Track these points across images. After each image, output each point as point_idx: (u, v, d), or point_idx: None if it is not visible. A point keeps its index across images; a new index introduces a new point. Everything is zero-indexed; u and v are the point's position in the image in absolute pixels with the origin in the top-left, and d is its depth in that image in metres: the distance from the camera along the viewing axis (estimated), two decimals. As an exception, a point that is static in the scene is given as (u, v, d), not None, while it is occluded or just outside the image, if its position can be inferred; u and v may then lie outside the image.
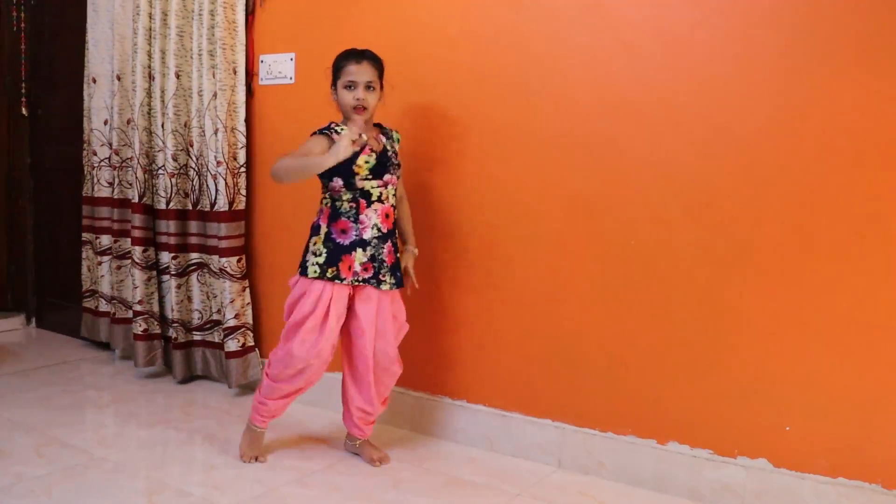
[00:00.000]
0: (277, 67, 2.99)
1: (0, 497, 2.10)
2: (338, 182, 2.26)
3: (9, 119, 4.13)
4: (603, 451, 2.36)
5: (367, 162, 2.25)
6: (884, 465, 1.97)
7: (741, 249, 2.12)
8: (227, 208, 2.99)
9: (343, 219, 2.27)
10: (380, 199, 2.28)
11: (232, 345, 3.01)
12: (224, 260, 3.00)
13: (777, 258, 2.07)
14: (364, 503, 2.17)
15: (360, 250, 2.26)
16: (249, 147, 3.08)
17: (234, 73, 2.99)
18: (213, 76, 2.97)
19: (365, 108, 2.26)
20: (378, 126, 2.38)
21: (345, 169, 2.23)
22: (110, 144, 3.44)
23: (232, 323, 3.00)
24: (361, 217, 2.27)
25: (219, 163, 2.98)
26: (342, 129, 2.24)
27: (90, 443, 2.54)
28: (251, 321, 3.06)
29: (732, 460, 2.16)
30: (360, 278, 2.27)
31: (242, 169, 3.03)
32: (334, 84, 2.30)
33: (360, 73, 2.24)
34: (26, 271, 4.18)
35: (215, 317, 3.13)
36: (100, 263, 3.53)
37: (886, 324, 1.95)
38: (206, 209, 3.07)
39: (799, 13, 2.01)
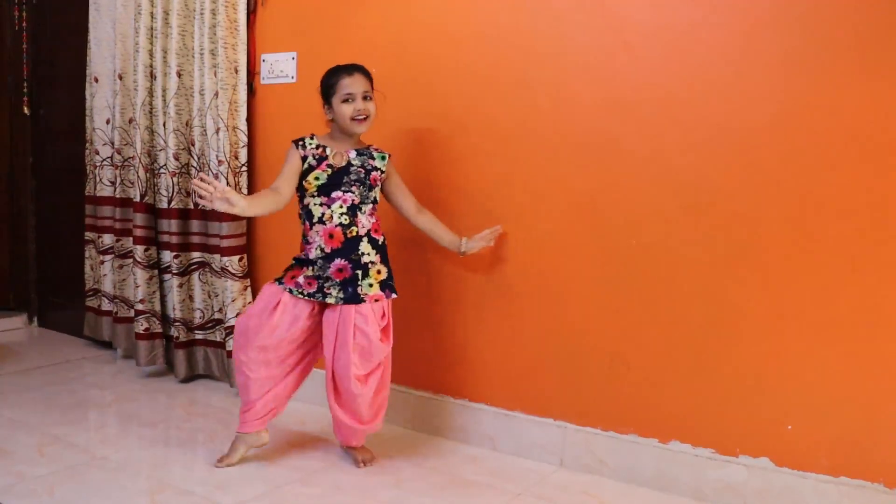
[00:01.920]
0: (279, 66, 2.99)
1: (2, 496, 2.11)
2: (297, 195, 2.32)
3: (11, 118, 4.13)
4: (605, 450, 2.36)
5: (317, 178, 2.27)
6: (886, 465, 1.97)
7: (743, 248, 2.12)
8: (228, 207, 2.99)
9: (302, 237, 2.35)
10: (321, 220, 2.27)
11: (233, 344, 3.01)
12: (226, 259, 3.00)
13: (779, 257, 2.07)
14: (366, 502, 2.17)
15: (307, 267, 2.28)
16: (251, 146, 3.08)
17: (236, 72, 2.99)
18: (215, 75, 2.98)
19: (367, 118, 2.26)
20: (361, 143, 2.35)
21: (300, 184, 2.30)
22: (112, 143, 3.44)
23: (233, 322, 3.00)
24: (308, 237, 2.31)
25: (220, 162, 2.98)
26: (310, 142, 2.29)
27: (92, 442, 2.54)
28: (253, 320, 3.06)
29: (734, 459, 2.15)
30: (304, 291, 2.27)
31: (244, 168, 3.03)
32: (328, 102, 2.29)
33: (355, 84, 2.25)
34: (28, 270, 4.19)
35: (217, 316, 3.13)
36: (102, 262, 3.53)
37: (889, 322, 1.95)
38: (207, 208, 3.07)
39: (800, 12, 2.01)
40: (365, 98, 2.26)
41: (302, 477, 2.31)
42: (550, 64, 2.38)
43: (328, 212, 2.27)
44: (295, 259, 2.34)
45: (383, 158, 2.35)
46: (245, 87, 3.02)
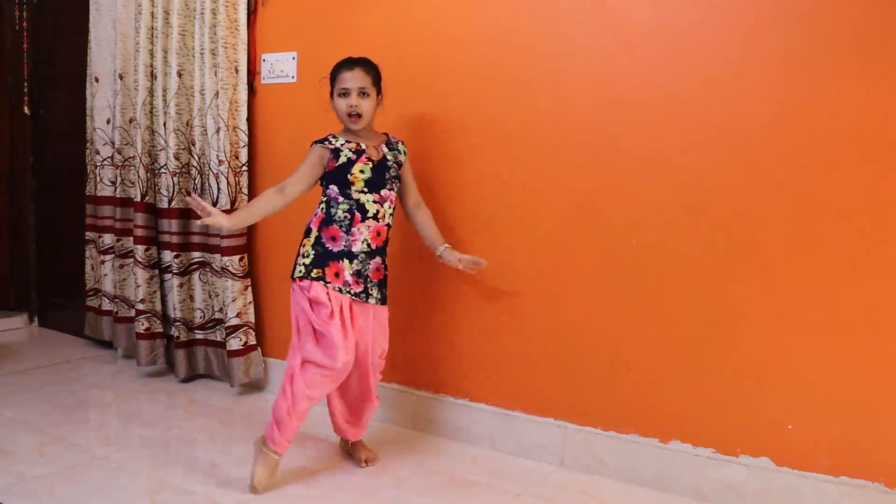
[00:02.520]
0: (279, 66, 2.99)
1: (2, 496, 2.11)
2: (333, 190, 2.25)
3: (11, 118, 4.13)
4: (605, 449, 2.36)
5: (362, 171, 2.23)
6: (886, 465, 1.97)
7: (743, 248, 2.12)
8: (229, 207, 2.99)
9: (335, 226, 2.24)
10: (375, 217, 2.25)
11: (234, 343, 3.01)
12: (226, 259, 3.00)
13: (779, 257, 2.07)
14: (366, 502, 2.17)
15: (346, 261, 2.23)
16: (251, 146, 3.08)
17: (236, 71, 2.99)
18: (215, 75, 2.98)
19: (360, 116, 2.24)
20: (385, 135, 2.37)
21: (340, 178, 2.23)
22: (113, 143, 3.44)
23: (234, 322, 3.00)
24: (353, 230, 2.24)
25: (221, 161, 2.98)
26: (339, 140, 2.26)
27: (92, 442, 2.55)
28: (253, 320, 3.06)
29: (735, 459, 2.15)
30: (353, 291, 2.23)
31: (244, 168, 3.03)
32: (332, 93, 2.29)
33: (352, 79, 2.23)
34: (29, 270, 4.19)
35: (217, 315, 3.13)
36: (102, 262, 3.53)
37: (889, 322, 1.95)
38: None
39: (800, 12, 2.01)
40: (361, 94, 2.24)
41: (302, 477, 2.31)
42: (550, 64, 2.38)
43: (382, 210, 2.27)
44: (318, 249, 2.24)
45: (405, 154, 2.37)
46: (245, 86, 3.02)
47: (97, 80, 3.50)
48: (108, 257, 3.50)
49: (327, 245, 2.24)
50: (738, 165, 2.11)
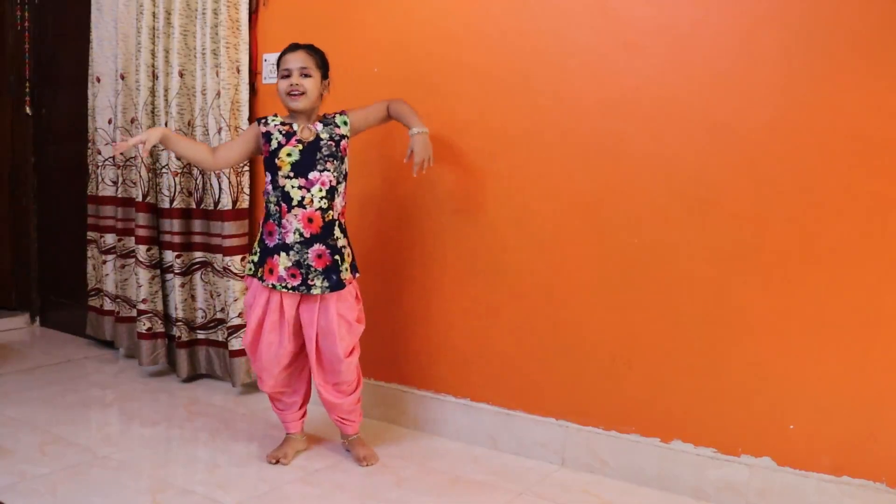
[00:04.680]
0: (281, 66, 2.99)
1: (4, 495, 2.11)
2: (267, 177, 2.29)
3: (13, 118, 4.14)
4: (606, 449, 2.36)
5: (289, 155, 2.24)
6: (888, 464, 1.97)
7: (744, 248, 2.12)
8: (230, 207, 2.99)
9: (271, 220, 2.28)
10: (301, 204, 2.23)
11: (236, 343, 3.01)
12: (228, 258, 3.00)
13: (780, 256, 2.07)
14: (367, 501, 2.17)
15: (283, 254, 2.24)
16: (253, 146, 3.08)
17: (238, 71, 3.00)
18: (217, 75, 2.98)
19: (302, 94, 2.24)
20: (324, 115, 2.35)
21: (270, 163, 2.27)
22: (114, 143, 3.45)
23: (236, 321, 3.00)
24: (283, 221, 2.24)
25: (222, 161, 2.98)
26: (273, 120, 2.30)
27: (94, 441, 2.55)
28: (255, 320, 3.06)
29: (736, 459, 2.15)
30: (289, 285, 2.24)
31: (246, 168, 3.03)
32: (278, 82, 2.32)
33: (293, 60, 2.25)
34: (30, 270, 4.19)
35: (219, 315, 3.13)
36: (104, 262, 3.54)
37: (891, 322, 1.95)
38: (209, 208, 3.08)
39: (801, 11, 2.01)
40: (303, 75, 2.25)
41: (303, 476, 2.32)
42: (552, 64, 2.38)
43: (308, 195, 2.24)
44: (260, 246, 2.29)
45: (346, 123, 2.33)
46: (247, 86, 3.02)
47: (99, 79, 3.50)
48: (109, 257, 3.50)
49: (266, 241, 2.29)
50: (740, 165, 2.11)
